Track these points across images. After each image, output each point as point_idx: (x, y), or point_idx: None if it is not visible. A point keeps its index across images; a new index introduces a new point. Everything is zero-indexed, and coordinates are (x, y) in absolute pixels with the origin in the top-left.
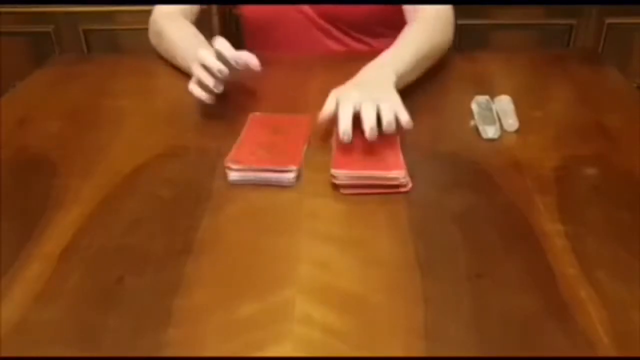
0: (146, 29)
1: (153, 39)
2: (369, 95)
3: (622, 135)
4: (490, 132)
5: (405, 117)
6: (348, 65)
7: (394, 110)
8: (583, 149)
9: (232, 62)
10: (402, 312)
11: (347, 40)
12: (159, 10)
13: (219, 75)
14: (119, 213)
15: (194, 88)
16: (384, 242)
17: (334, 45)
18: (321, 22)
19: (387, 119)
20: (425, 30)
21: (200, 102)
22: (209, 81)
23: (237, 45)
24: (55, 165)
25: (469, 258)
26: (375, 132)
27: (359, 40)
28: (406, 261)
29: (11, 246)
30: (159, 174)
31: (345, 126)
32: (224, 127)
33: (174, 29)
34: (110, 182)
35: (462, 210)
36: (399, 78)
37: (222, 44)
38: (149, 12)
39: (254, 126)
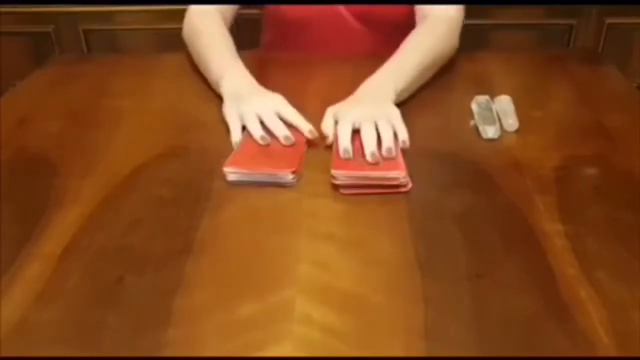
0: (146, 29)
1: (187, 38)
2: (367, 113)
3: (622, 135)
4: (490, 132)
5: (404, 135)
6: (350, 67)
7: (393, 128)
8: (583, 149)
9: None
10: (402, 312)
11: (379, 41)
12: (194, 10)
13: (261, 142)
14: (119, 213)
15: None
16: (384, 242)
17: (365, 47)
18: (355, 22)
19: (387, 145)
20: (430, 37)
21: (200, 102)
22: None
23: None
24: (55, 165)
25: (469, 258)
26: (377, 157)
27: (391, 42)
28: (406, 261)
29: (11, 246)
30: (159, 174)
31: (345, 145)
32: (224, 127)
33: (209, 36)
34: (110, 182)
35: (462, 210)
36: (399, 93)
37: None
38: (148, 12)
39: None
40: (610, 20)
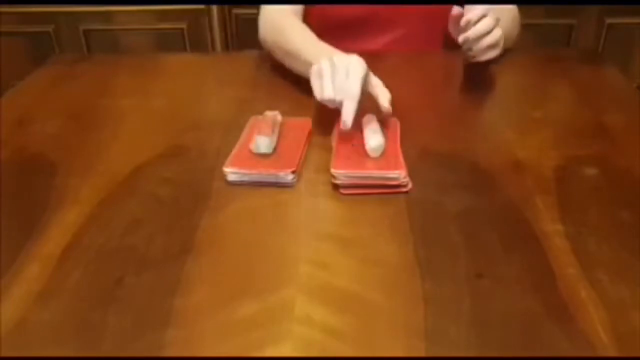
0: (146, 29)
1: (269, 37)
2: None
3: (622, 135)
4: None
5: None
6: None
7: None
8: (583, 149)
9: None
10: (402, 312)
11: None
12: (272, 7)
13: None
14: (119, 213)
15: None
16: (384, 242)
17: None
18: (397, 21)
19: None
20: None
21: (200, 102)
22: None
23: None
24: (55, 165)
25: (469, 258)
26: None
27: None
28: (406, 261)
29: (11, 246)
30: (159, 174)
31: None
32: (224, 127)
33: (296, 30)
34: (110, 182)
35: (462, 210)
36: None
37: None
38: (148, 12)
39: (254, 129)
40: (610, 20)
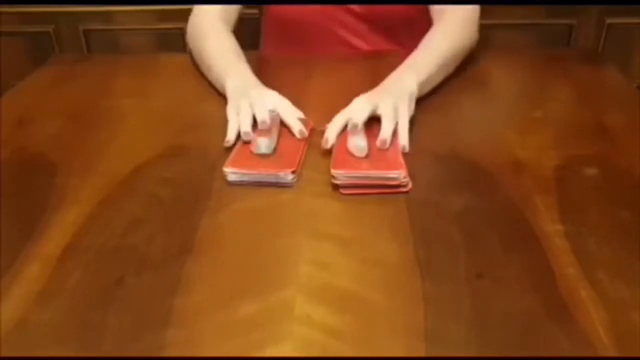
0: (146, 29)
1: (191, 40)
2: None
3: (622, 135)
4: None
5: (403, 140)
6: (349, 66)
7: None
8: (583, 149)
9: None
10: (402, 312)
11: (380, 40)
12: (199, 10)
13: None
14: (119, 213)
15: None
16: (384, 242)
17: (367, 45)
18: (357, 21)
19: (381, 137)
20: (449, 33)
21: (200, 102)
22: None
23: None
24: (55, 165)
25: (469, 258)
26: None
27: (392, 40)
28: (406, 261)
29: (11, 246)
30: (159, 174)
31: (355, 120)
32: (224, 127)
33: (214, 38)
34: (110, 182)
35: (462, 210)
36: (422, 85)
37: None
38: (148, 12)
39: (254, 129)
40: (610, 20)
